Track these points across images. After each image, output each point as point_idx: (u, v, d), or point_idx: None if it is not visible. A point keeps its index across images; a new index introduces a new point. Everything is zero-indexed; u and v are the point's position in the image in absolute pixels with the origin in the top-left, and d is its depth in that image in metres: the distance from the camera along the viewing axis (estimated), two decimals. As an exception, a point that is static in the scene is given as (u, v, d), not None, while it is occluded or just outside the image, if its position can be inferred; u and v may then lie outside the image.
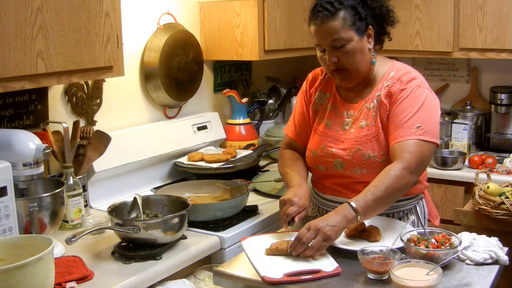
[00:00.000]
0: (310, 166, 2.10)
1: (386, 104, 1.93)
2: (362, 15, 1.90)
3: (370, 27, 1.93)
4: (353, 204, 1.74)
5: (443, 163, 3.04)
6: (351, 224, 1.78)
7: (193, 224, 2.14)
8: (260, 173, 2.88)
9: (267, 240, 1.80)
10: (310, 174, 2.20)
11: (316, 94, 2.11)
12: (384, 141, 1.93)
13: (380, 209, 1.82)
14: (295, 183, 1.98)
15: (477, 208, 2.38)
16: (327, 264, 1.66)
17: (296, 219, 1.84)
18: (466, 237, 1.77)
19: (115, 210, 2.00)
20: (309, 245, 1.68)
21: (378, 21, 1.97)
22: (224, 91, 3.14)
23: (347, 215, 1.73)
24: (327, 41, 1.90)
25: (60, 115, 2.37)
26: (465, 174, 3.00)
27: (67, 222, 2.16)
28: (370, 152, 1.93)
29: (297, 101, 2.20)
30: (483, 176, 2.58)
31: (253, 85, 3.50)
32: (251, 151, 2.93)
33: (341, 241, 1.78)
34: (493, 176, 2.67)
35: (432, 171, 2.97)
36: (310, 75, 2.18)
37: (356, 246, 1.73)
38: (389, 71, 1.99)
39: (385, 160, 1.92)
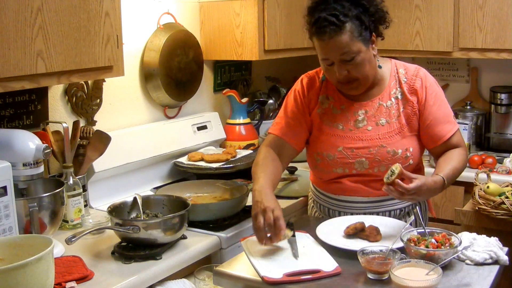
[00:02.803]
0: (324, 170, 2.04)
1: (413, 101, 2.00)
2: (366, 23, 1.89)
3: (373, 33, 1.94)
4: (444, 177, 1.86)
5: (443, 163, 3.03)
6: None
7: (193, 224, 2.13)
8: (260, 173, 2.88)
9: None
10: (308, 174, 2.20)
11: (319, 97, 2.07)
12: (409, 137, 1.98)
13: (448, 186, 1.93)
14: (256, 188, 1.85)
15: (477, 208, 2.38)
16: (327, 264, 1.65)
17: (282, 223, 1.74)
18: (466, 237, 1.77)
19: (115, 210, 2.00)
20: (399, 194, 1.76)
21: (376, 24, 1.97)
22: (224, 91, 3.14)
23: (440, 189, 1.86)
24: (336, 55, 1.88)
25: (60, 115, 2.37)
26: (465, 174, 2.93)
27: (67, 222, 2.16)
28: (395, 148, 1.96)
29: (288, 102, 2.10)
30: (483, 176, 2.58)
31: (253, 85, 3.50)
32: (251, 151, 2.93)
33: (341, 241, 1.79)
34: (493, 176, 2.67)
35: (432, 171, 2.96)
36: (305, 78, 2.11)
37: (356, 246, 1.72)
38: (393, 68, 2.04)
39: (408, 156, 1.97)
